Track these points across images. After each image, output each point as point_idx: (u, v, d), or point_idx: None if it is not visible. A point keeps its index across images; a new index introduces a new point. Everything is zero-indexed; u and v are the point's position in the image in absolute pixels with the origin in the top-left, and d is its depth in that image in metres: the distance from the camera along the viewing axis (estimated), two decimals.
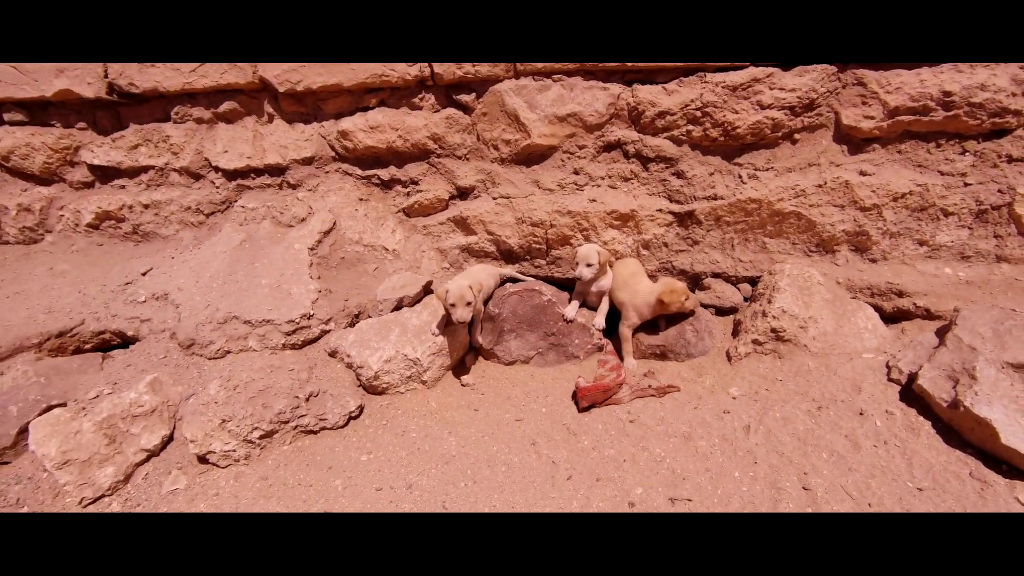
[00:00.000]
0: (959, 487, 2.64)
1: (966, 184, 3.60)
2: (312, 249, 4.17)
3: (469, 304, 3.40)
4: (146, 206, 4.70)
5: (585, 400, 3.41)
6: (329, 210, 4.38)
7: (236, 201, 4.63)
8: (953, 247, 3.71)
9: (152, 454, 3.19)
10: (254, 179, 4.56)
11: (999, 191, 3.56)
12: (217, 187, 4.62)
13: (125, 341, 3.98)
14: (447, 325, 3.77)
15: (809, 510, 2.62)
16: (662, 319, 3.82)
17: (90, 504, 2.97)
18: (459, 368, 3.90)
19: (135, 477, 3.11)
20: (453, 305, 3.41)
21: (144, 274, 4.34)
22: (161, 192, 4.69)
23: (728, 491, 2.77)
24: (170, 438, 3.27)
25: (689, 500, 2.73)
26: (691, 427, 3.21)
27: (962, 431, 2.86)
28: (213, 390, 3.24)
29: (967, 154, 3.58)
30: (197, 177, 4.66)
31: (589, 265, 3.76)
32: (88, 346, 3.93)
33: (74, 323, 3.97)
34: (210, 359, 3.60)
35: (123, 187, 4.76)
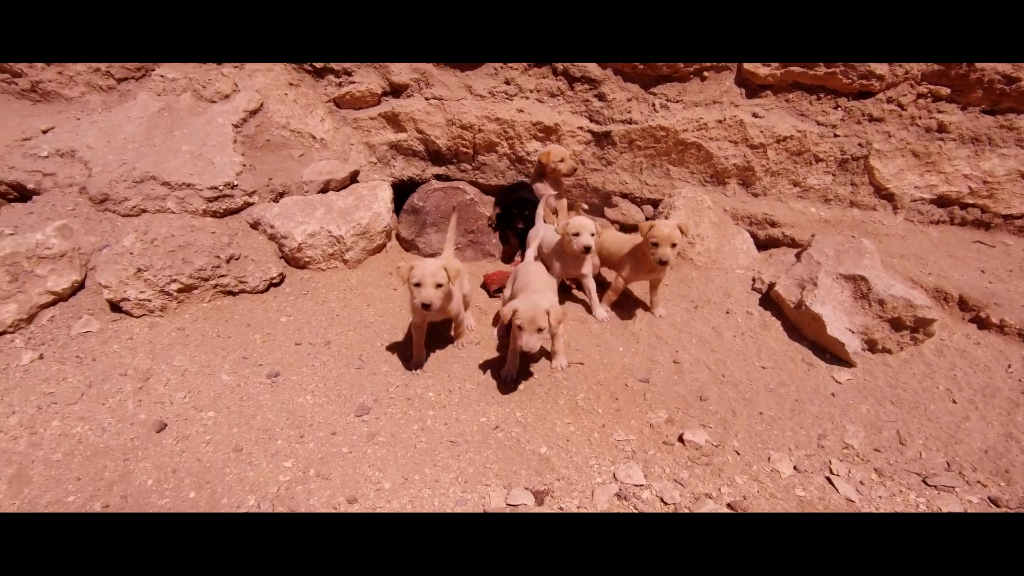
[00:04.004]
0: (792, 367, 3.26)
1: (835, 135, 4.22)
2: (237, 127, 4.12)
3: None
4: (48, 63, 4.37)
5: (493, 284, 3.75)
6: (257, 90, 4.32)
7: (154, 70, 4.41)
8: (819, 189, 4.36)
9: (60, 298, 3.14)
10: None
11: (859, 144, 4.21)
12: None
13: (23, 195, 3.77)
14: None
15: (675, 378, 3.12)
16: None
17: None
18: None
19: (39, 318, 3.07)
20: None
21: (45, 132, 4.08)
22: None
23: (612, 360, 3.23)
24: (81, 285, 3.23)
25: (581, 363, 3.16)
26: (586, 314, 3.64)
27: (801, 327, 3.49)
28: (128, 242, 3.23)
29: (839, 109, 4.19)
30: None
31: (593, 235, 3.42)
32: None
33: None
34: (124, 216, 3.53)
35: None
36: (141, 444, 2.44)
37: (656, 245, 3.23)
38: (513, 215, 4.01)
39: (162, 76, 4.38)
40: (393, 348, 3.22)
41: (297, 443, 2.51)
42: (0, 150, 3.93)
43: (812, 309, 3.34)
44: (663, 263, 3.25)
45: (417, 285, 2.75)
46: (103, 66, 4.37)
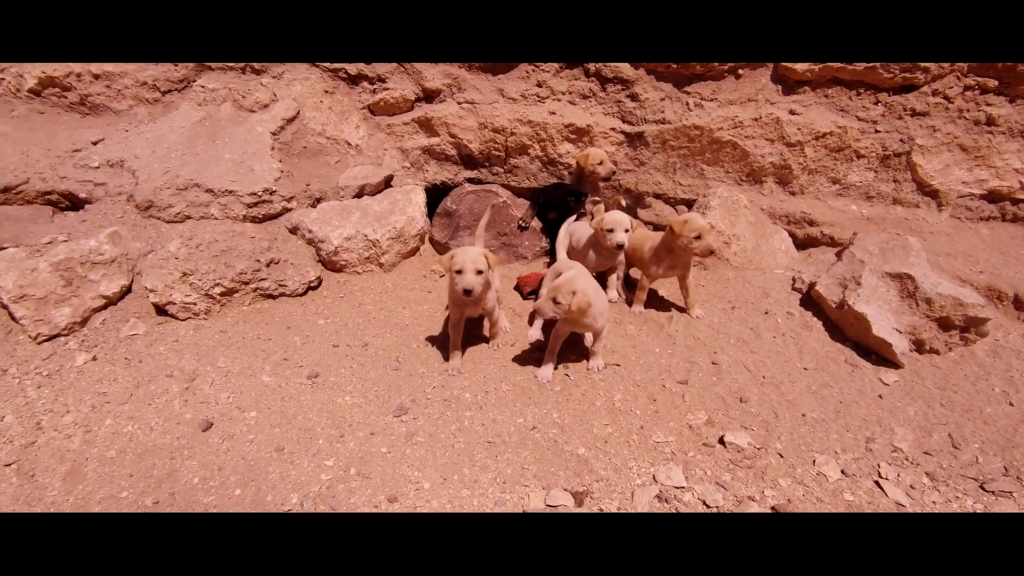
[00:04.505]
0: (836, 369, 3.17)
1: (876, 131, 4.11)
2: (275, 134, 4.22)
3: (480, 273, 2.78)
4: (96, 76, 4.55)
5: (527, 286, 3.75)
6: (294, 99, 4.41)
7: (195, 81, 4.55)
8: (860, 187, 4.24)
9: (110, 302, 3.25)
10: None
11: (901, 140, 4.09)
12: (176, 64, 4.52)
13: (75, 204, 3.93)
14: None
15: (714, 379, 3.07)
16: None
17: (45, 341, 3.03)
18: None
19: (92, 321, 3.18)
20: (459, 271, 2.79)
21: (95, 143, 4.24)
22: (114, 63, 4.54)
23: (649, 361, 3.19)
24: (128, 289, 3.34)
25: (618, 365, 3.13)
26: (622, 315, 3.61)
27: (844, 327, 3.39)
28: (174, 247, 3.33)
29: (879, 104, 4.08)
30: None
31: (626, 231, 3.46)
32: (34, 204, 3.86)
33: (19, 181, 3.87)
34: (168, 222, 3.65)
35: None
36: (187, 443, 2.51)
37: (699, 237, 3.28)
38: (569, 204, 3.96)
39: (203, 87, 4.52)
40: (429, 350, 3.24)
41: (338, 443, 2.54)
42: (52, 161, 4.10)
43: (856, 308, 3.24)
44: (711, 252, 3.34)
45: (459, 272, 2.79)
46: (149, 79, 4.53)
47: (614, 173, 4.17)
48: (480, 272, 2.81)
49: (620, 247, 3.39)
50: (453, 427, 2.67)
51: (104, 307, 3.24)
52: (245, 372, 2.96)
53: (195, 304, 3.26)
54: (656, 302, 3.73)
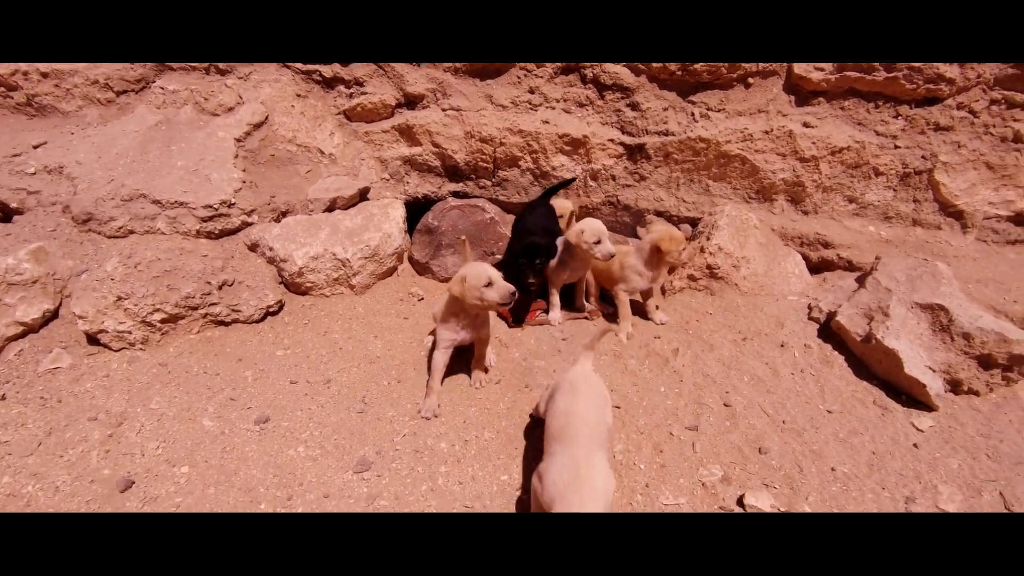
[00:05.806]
0: (864, 412, 2.79)
1: (896, 147, 3.78)
2: (239, 141, 3.81)
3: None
4: (44, 75, 4.12)
5: (512, 314, 3.35)
6: (262, 102, 4.01)
7: (154, 81, 4.15)
8: (879, 206, 3.90)
9: (30, 329, 2.81)
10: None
11: (923, 157, 3.76)
12: (132, 63, 4.12)
13: (6, 215, 3.49)
14: None
15: (728, 424, 2.68)
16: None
17: None
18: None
19: (6, 352, 2.73)
20: (489, 284, 2.53)
21: (36, 147, 3.81)
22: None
23: (654, 402, 2.79)
24: (54, 314, 2.90)
25: (617, 407, 2.72)
26: (621, 347, 3.22)
27: (871, 363, 3.01)
28: (111, 266, 2.89)
29: (900, 118, 3.75)
30: None
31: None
32: None
33: None
34: (109, 237, 3.22)
35: None
36: (99, 508, 2.06)
37: (683, 248, 3.34)
38: (522, 266, 3.25)
39: (163, 88, 4.11)
40: (401, 388, 2.82)
41: (283, 508, 2.10)
42: None
43: (885, 344, 2.87)
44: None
45: (488, 285, 2.53)
46: (101, 78, 4.12)
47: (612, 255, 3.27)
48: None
49: (612, 256, 3.21)
50: (424, 487, 2.24)
51: (22, 335, 2.79)
52: (183, 415, 2.52)
53: (130, 333, 2.82)
54: (659, 332, 3.35)
